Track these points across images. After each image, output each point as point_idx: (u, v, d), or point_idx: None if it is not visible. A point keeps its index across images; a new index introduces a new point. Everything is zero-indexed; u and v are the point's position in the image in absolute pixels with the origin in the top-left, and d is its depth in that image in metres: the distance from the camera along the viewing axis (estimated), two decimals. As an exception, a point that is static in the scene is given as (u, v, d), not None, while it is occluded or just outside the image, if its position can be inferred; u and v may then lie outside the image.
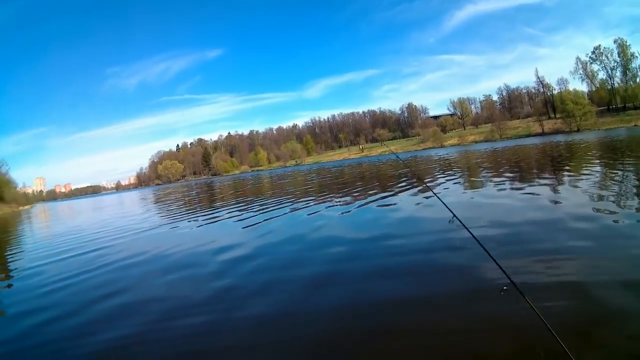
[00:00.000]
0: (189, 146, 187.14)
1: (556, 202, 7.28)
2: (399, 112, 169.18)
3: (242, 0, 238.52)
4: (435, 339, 2.96)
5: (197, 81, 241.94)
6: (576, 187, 8.67)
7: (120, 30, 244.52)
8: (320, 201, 12.74)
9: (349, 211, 9.76)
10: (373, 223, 7.99)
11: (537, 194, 8.36)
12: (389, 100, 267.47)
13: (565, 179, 10.33)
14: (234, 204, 16.66)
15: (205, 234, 9.61)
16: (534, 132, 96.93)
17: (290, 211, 11.33)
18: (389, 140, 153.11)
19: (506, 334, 2.81)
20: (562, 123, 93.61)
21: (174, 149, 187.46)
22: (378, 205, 10.02)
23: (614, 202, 6.65)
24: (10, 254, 11.20)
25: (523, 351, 2.57)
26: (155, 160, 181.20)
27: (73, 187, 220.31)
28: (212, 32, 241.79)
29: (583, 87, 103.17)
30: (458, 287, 3.78)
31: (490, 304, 3.19)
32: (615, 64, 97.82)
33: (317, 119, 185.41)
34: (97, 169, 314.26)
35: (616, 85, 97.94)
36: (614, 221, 5.36)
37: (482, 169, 18.25)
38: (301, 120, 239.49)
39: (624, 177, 9.59)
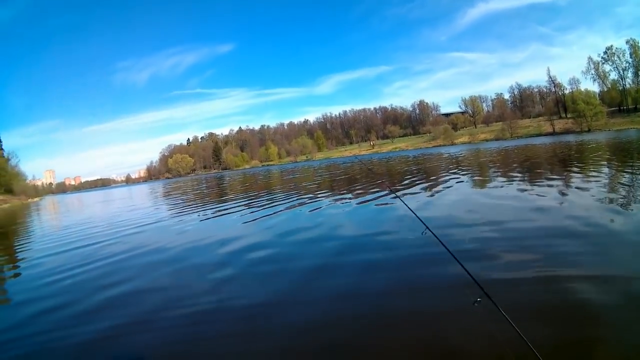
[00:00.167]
0: (199, 140, 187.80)
1: (556, 206, 7.15)
2: (410, 109, 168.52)
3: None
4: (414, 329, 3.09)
5: (208, 75, 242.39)
6: (581, 190, 8.46)
7: (131, 24, 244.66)
8: (326, 196, 12.85)
9: (350, 207, 9.90)
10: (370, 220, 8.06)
11: (542, 195, 8.22)
12: (400, 97, 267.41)
13: (572, 181, 10.01)
14: (241, 198, 16.80)
15: (209, 228, 9.81)
16: (544, 132, 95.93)
17: (295, 206, 11.47)
18: (399, 137, 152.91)
19: (481, 343, 2.79)
20: (573, 123, 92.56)
21: (185, 142, 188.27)
22: (377, 205, 10.06)
23: (616, 210, 6.32)
24: (19, 245, 11.44)
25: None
26: (166, 154, 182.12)
27: (83, 180, 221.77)
28: (224, 26, 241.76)
29: (594, 88, 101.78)
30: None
31: (464, 314, 3.16)
32: (627, 64, 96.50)
33: (328, 114, 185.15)
34: (107, 162, 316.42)
35: (628, 86, 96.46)
36: (611, 229, 5.22)
37: (490, 167, 18.10)
38: (312, 115, 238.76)
39: (633, 180, 9.32)
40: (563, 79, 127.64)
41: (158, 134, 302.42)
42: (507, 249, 4.75)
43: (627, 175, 10.07)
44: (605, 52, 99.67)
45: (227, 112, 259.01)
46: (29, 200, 75.10)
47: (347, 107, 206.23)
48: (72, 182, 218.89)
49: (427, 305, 3.54)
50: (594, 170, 11.78)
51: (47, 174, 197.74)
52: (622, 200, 6.97)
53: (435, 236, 3.36)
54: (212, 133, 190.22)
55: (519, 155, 25.01)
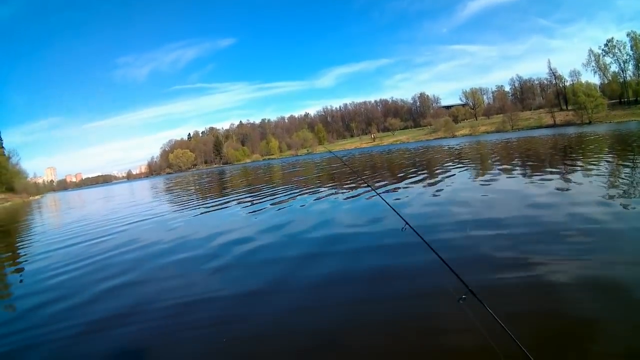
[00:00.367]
0: (200, 135, 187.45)
1: (549, 201, 7.01)
2: (411, 101, 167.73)
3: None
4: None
5: (209, 70, 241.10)
6: (580, 184, 8.44)
7: (132, 20, 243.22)
8: (324, 189, 12.83)
9: (345, 199, 9.96)
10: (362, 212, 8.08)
11: (537, 190, 8.18)
12: (401, 89, 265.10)
13: (572, 175, 10.06)
14: (239, 192, 16.91)
15: (206, 222, 9.90)
16: (545, 124, 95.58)
17: (291, 199, 11.65)
18: (400, 129, 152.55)
19: (466, 340, 2.81)
20: (574, 115, 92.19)
21: (186, 137, 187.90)
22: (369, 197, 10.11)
23: (615, 205, 6.16)
24: (20, 242, 11.55)
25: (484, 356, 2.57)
26: (167, 149, 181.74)
27: (84, 177, 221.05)
28: (224, 20, 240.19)
29: (595, 80, 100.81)
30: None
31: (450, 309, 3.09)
32: (628, 57, 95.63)
33: (329, 107, 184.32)
34: (108, 158, 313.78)
35: (628, 78, 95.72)
36: (608, 226, 5.06)
37: (490, 160, 18.17)
38: (313, 109, 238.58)
39: (633, 174, 9.22)
40: (564, 71, 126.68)
41: (159, 129, 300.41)
42: (496, 245, 4.74)
43: (627, 170, 10.00)
44: (606, 45, 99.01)
45: (228, 106, 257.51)
46: (31, 198, 74.63)
47: (348, 100, 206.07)
48: (74, 179, 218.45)
49: (411, 300, 3.63)
50: (594, 163, 11.77)
51: (48, 172, 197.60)
52: (620, 195, 6.86)
53: (417, 233, 3.29)
54: (213, 127, 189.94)
55: (519, 147, 25.04)
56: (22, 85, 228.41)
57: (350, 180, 15.24)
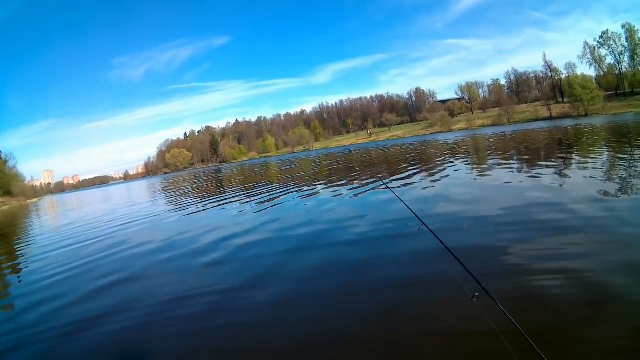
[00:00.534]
0: (196, 134, 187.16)
1: (554, 196, 6.90)
2: (407, 96, 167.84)
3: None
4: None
5: (204, 69, 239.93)
6: (578, 177, 8.44)
7: (126, 21, 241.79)
8: (319, 186, 12.90)
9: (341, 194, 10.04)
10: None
11: (539, 184, 8.08)
12: (397, 85, 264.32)
13: (569, 168, 10.04)
14: (236, 190, 16.92)
15: (201, 220, 9.95)
16: (541, 117, 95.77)
17: (286, 194, 11.78)
18: (397, 125, 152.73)
19: (480, 338, 2.75)
20: (570, 107, 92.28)
21: (182, 137, 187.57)
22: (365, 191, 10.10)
23: (609, 197, 6.22)
24: (18, 245, 11.56)
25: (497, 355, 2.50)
26: (163, 149, 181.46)
27: (81, 179, 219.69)
28: (219, 19, 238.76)
29: (591, 72, 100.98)
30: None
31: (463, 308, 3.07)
32: (624, 49, 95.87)
33: (324, 104, 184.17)
34: (104, 159, 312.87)
35: (624, 70, 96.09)
36: (607, 221, 4.99)
37: (487, 154, 18.25)
38: (309, 106, 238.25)
39: (629, 166, 9.18)
40: (559, 64, 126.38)
41: (155, 129, 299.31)
42: (506, 242, 4.66)
43: (623, 163, 9.97)
44: (601, 37, 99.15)
45: (223, 104, 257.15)
46: (28, 201, 74.62)
47: (344, 96, 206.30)
48: (71, 181, 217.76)
49: (425, 298, 3.56)
50: (592, 155, 11.81)
51: (45, 174, 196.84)
52: (618, 189, 6.84)
53: (432, 232, 3.28)
54: (209, 126, 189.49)
55: (516, 140, 25.10)
56: (17, 88, 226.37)
57: (352, 175, 15.24)
